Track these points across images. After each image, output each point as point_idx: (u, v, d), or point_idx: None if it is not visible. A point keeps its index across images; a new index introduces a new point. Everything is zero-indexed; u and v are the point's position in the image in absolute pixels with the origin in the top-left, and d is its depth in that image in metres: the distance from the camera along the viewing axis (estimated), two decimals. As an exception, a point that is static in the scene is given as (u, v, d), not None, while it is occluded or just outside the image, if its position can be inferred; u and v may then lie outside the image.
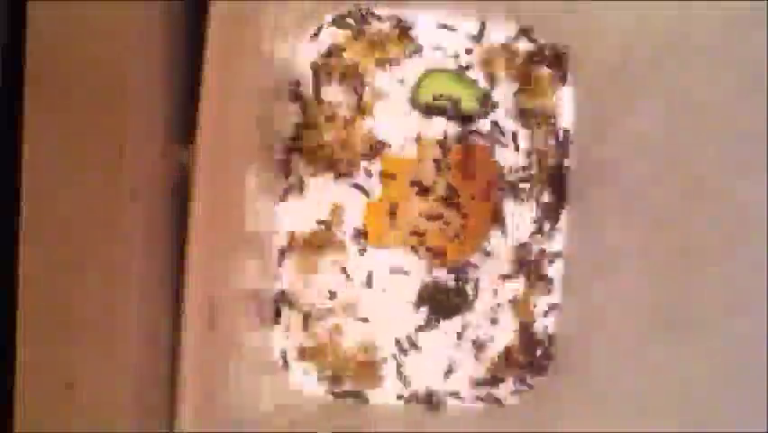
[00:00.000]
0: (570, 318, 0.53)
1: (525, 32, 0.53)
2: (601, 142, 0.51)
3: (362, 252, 0.53)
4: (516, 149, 0.53)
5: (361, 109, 0.53)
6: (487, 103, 0.53)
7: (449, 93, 0.53)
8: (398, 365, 0.53)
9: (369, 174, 0.53)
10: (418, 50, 0.53)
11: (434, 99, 0.53)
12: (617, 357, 0.47)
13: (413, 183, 0.53)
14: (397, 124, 0.53)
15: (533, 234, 0.54)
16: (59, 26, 0.33)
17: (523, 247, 0.53)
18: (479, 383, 0.53)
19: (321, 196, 0.52)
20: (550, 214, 0.54)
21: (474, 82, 0.53)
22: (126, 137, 0.35)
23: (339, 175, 0.52)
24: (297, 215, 0.52)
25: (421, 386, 0.53)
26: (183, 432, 0.35)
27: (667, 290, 0.44)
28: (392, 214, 0.53)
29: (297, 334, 0.52)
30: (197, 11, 0.37)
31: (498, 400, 0.53)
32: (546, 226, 0.54)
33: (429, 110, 0.53)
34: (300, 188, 0.52)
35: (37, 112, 0.32)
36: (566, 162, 0.54)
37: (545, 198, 0.54)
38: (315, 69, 0.52)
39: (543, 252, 0.54)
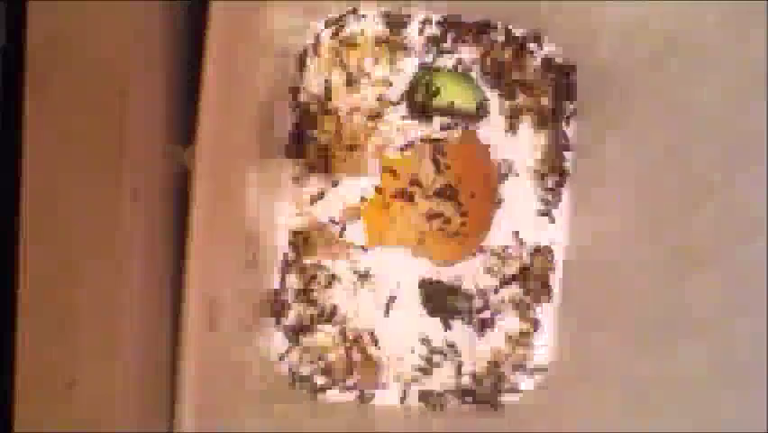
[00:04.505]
0: (570, 318, 0.53)
1: (522, 31, 0.53)
2: (601, 142, 0.51)
3: (362, 251, 0.53)
4: (516, 148, 0.53)
5: (361, 109, 0.53)
6: (486, 102, 0.53)
7: (448, 92, 0.53)
8: (398, 365, 0.53)
9: (368, 173, 0.53)
10: (418, 49, 0.53)
11: (434, 99, 0.53)
12: (616, 357, 0.47)
13: (412, 182, 0.53)
14: (396, 123, 0.53)
15: (533, 232, 0.54)
16: (59, 26, 0.33)
17: (523, 246, 0.53)
18: (477, 384, 0.53)
19: (321, 195, 0.52)
20: (550, 213, 0.54)
21: (474, 81, 0.53)
22: (126, 137, 0.35)
23: (338, 174, 0.52)
24: (297, 214, 0.52)
25: (419, 386, 0.53)
26: (183, 432, 0.35)
27: (667, 290, 0.44)
28: (392, 213, 0.53)
29: (297, 334, 0.52)
30: (197, 11, 0.37)
31: (496, 401, 0.53)
32: (546, 225, 0.54)
33: (428, 109, 0.53)
34: (300, 187, 0.52)
35: (37, 112, 0.32)
36: (566, 162, 0.54)
37: (545, 197, 0.54)
38: (316, 68, 0.52)
39: (543, 251, 0.54)
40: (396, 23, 0.53)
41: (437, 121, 0.53)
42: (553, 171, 0.54)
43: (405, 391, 0.53)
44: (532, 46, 0.54)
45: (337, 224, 0.52)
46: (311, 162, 0.52)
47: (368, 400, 0.52)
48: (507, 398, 0.53)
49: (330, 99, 0.52)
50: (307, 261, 0.52)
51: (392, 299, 0.53)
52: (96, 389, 0.35)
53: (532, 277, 0.53)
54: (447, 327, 0.53)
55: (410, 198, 0.53)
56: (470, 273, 0.53)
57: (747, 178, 0.40)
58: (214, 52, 0.36)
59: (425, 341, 0.53)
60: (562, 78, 0.54)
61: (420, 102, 0.53)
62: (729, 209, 0.41)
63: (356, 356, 0.52)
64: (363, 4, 0.53)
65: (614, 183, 0.50)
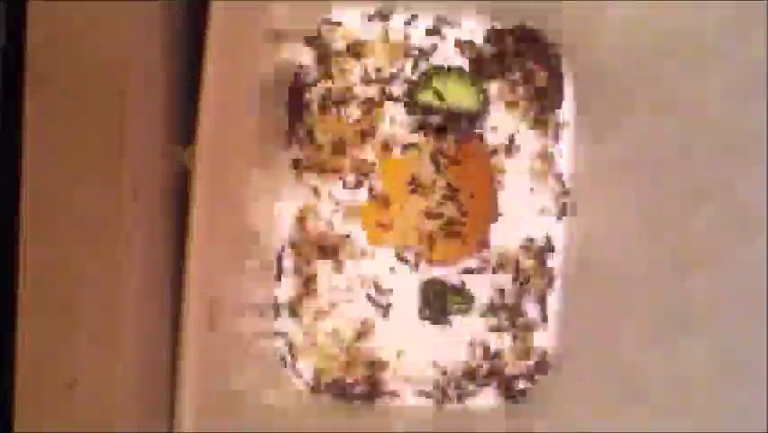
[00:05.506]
0: (570, 318, 0.53)
1: (525, 31, 0.53)
2: (601, 142, 0.51)
3: (362, 251, 0.53)
4: (516, 148, 0.53)
5: (362, 108, 0.53)
6: (486, 102, 0.53)
7: (449, 92, 0.53)
8: (397, 365, 0.53)
9: (368, 174, 0.53)
10: (418, 49, 0.53)
11: (434, 98, 0.53)
12: (616, 358, 0.47)
13: (412, 182, 0.53)
14: (396, 123, 0.53)
15: (533, 232, 0.54)
16: (59, 26, 0.33)
17: (522, 246, 0.53)
18: (477, 383, 0.53)
19: (320, 195, 0.52)
20: (549, 213, 0.54)
21: (474, 81, 0.53)
22: (126, 137, 0.35)
23: (339, 175, 0.52)
24: (297, 214, 0.52)
25: (418, 386, 0.53)
26: (183, 432, 0.35)
27: (667, 290, 0.44)
28: (392, 213, 0.53)
29: (297, 334, 0.52)
30: (197, 11, 0.37)
31: (494, 401, 0.53)
32: (546, 225, 0.54)
33: (429, 109, 0.53)
34: (300, 187, 0.52)
35: (37, 112, 0.32)
36: (566, 162, 0.54)
37: (545, 196, 0.54)
38: (315, 68, 0.52)
39: (542, 251, 0.53)
40: (397, 22, 0.53)
41: (438, 121, 0.53)
42: (553, 170, 0.54)
43: (404, 390, 0.53)
44: (531, 45, 0.54)
45: (337, 224, 0.52)
46: (311, 162, 0.52)
47: (368, 400, 0.52)
48: (507, 397, 0.53)
49: (330, 99, 0.52)
50: (307, 261, 0.52)
51: (392, 299, 0.53)
52: (96, 389, 0.35)
53: (532, 277, 0.53)
54: (447, 326, 0.53)
55: (410, 198, 0.53)
56: (471, 273, 0.53)
57: (747, 178, 0.39)
58: (214, 52, 0.36)
59: (425, 340, 0.53)
60: (557, 77, 0.54)
61: (421, 101, 0.53)
62: (729, 209, 0.41)
63: (356, 356, 0.52)
64: (365, 3, 0.53)
65: (614, 183, 0.50)
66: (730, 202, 0.41)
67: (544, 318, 0.53)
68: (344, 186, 0.52)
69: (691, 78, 0.44)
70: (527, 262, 0.53)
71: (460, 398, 0.53)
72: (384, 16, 0.53)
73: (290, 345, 0.52)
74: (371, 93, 0.53)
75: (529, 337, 0.53)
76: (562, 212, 0.54)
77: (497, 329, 0.53)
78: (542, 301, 0.53)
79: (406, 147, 0.53)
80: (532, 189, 0.54)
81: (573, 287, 0.53)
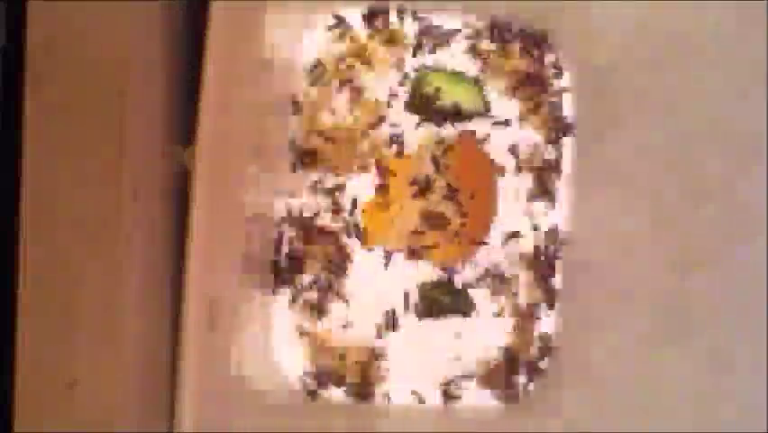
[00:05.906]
0: (570, 319, 0.53)
1: (522, 31, 0.53)
2: (601, 142, 0.51)
3: (361, 251, 0.53)
4: (516, 148, 0.53)
5: (361, 108, 0.53)
6: (486, 102, 0.53)
7: (449, 92, 0.53)
8: (397, 364, 0.53)
9: (368, 174, 0.53)
10: (418, 50, 0.53)
11: (435, 98, 0.53)
12: (617, 358, 0.47)
13: (412, 182, 0.53)
14: (396, 123, 0.53)
15: (532, 233, 0.54)
16: (59, 26, 0.33)
17: (522, 246, 0.53)
18: (475, 383, 0.53)
19: (320, 195, 0.52)
20: (549, 213, 0.54)
21: (473, 82, 0.53)
22: (126, 137, 0.35)
23: (338, 174, 0.52)
24: (296, 214, 0.52)
25: (418, 386, 0.53)
26: (183, 432, 0.35)
27: (667, 290, 0.44)
28: (391, 213, 0.53)
29: (297, 334, 0.52)
30: (197, 11, 0.37)
31: (494, 400, 0.53)
32: (545, 226, 0.54)
33: (428, 110, 0.53)
34: (299, 187, 0.52)
35: (37, 112, 0.32)
36: (566, 162, 0.54)
37: (545, 196, 0.54)
38: (315, 68, 0.52)
39: (542, 251, 0.54)
40: (397, 23, 0.53)
41: (437, 121, 0.53)
42: (553, 171, 0.54)
43: (401, 390, 0.53)
44: (531, 45, 0.54)
45: (336, 224, 0.52)
46: (311, 162, 0.52)
47: (368, 400, 0.52)
48: (506, 397, 0.53)
49: (330, 99, 0.52)
50: (307, 261, 0.52)
51: (391, 298, 0.53)
52: (96, 389, 0.35)
53: (531, 277, 0.53)
54: (446, 326, 0.53)
55: (410, 199, 0.53)
56: (470, 274, 0.53)
57: (747, 178, 0.40)
58: (214, 52, 0.36)
59: (423, 340, 0.53)
60: (557, 77, 0.54)
61: (420, 102, 0.53)
62: (729, 209, 0.41)
63: (356, 356, 0.52)
64: (365, 4, 0.53)
65: (614, 183, 0.50)
66: (730, 202, 0.41)
67: (544, 318, 0.53)
68: (345, 186, 0.52)
69: (691, 78, 0.44)
70: (527, 263, 0.53)
71: (457, 398, 0.53)
72: (384, 16, 0.53)
73: (290, 345, 0.52)
74: (371, 93, 0.53)
75: (528, 337, 0.53)
76: (562, 212, 0.54)
77: (496, 329, 0.53)
78: (541, 300, 0.53)
79: (406, 147, 0.53)
80: (532, 190, 0.53)
81: (573, 286, 0.53)
